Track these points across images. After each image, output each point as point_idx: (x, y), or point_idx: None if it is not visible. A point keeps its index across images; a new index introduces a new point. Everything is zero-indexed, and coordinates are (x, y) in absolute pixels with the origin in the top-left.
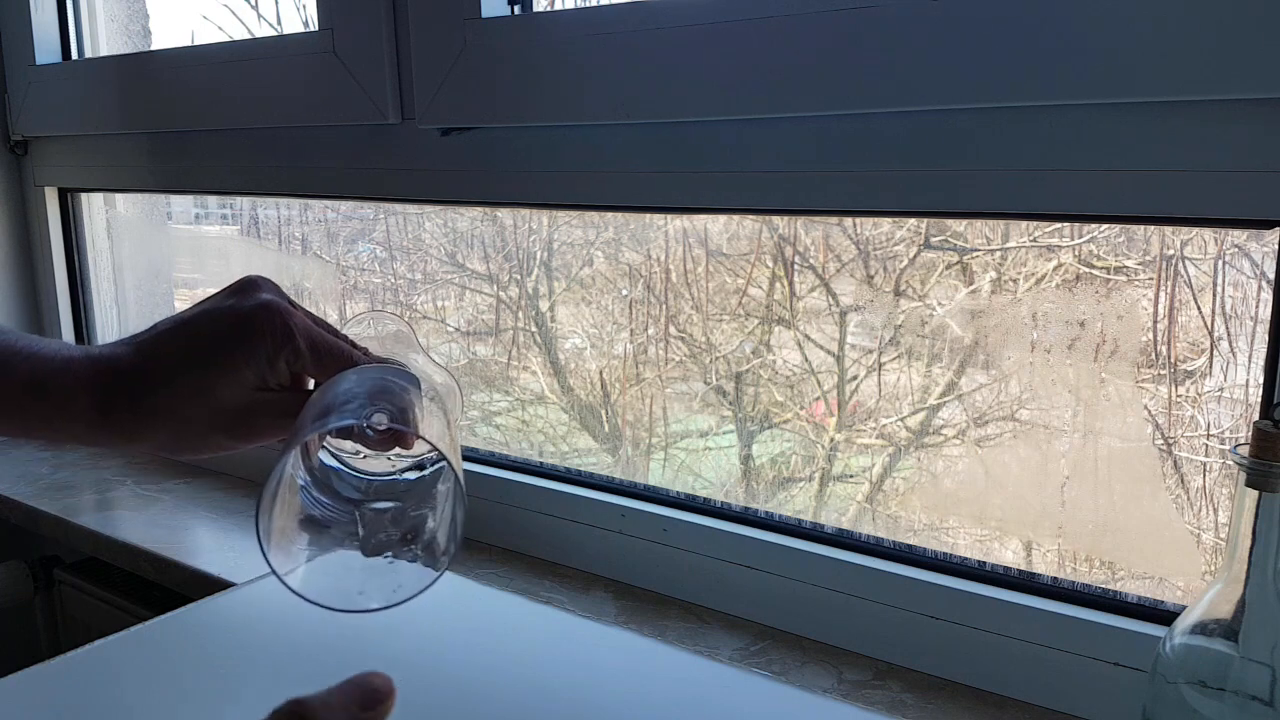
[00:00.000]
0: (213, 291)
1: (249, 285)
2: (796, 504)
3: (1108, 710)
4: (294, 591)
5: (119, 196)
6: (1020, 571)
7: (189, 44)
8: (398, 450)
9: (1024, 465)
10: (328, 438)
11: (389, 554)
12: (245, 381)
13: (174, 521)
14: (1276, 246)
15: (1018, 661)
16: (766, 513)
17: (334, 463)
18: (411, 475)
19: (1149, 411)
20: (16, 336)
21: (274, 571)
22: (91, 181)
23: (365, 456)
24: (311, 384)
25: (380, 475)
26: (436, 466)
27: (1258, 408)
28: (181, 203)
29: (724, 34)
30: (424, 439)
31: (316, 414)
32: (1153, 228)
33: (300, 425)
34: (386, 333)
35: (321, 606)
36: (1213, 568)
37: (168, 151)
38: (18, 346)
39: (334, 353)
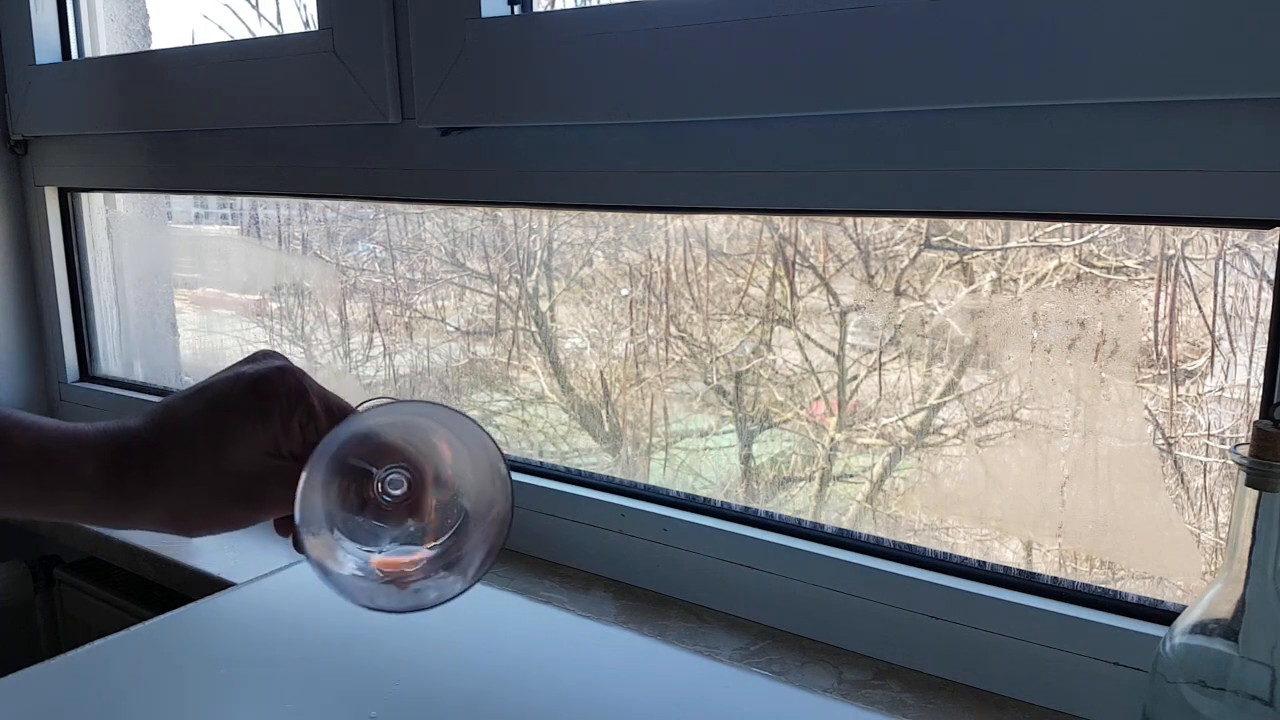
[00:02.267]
0: (223, 364)
1: (263, 354)
2: (796, 504)
3: (1108, 710)
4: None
5: (119, 196)
6: (1020, 571)
7: (189, 44)
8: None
9: (1024, 465)
10: (341, 541)
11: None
12: (258, 443)
13: None
14: (1276, 246)
15: (1018, 661)
16: (766, 513)
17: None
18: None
19: (1149, 411)
20: (14, 412)
21: (305, 554)
22: (91, 181)
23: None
24: None
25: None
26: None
27: (1258, 408)
28: (181, 203)
29: (724, 34)
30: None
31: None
32: (1153, 228)
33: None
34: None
35: (365, 607)
36: (1213, 568)
37: (168, 151)
38: (16, 418)
39: (347, 415)
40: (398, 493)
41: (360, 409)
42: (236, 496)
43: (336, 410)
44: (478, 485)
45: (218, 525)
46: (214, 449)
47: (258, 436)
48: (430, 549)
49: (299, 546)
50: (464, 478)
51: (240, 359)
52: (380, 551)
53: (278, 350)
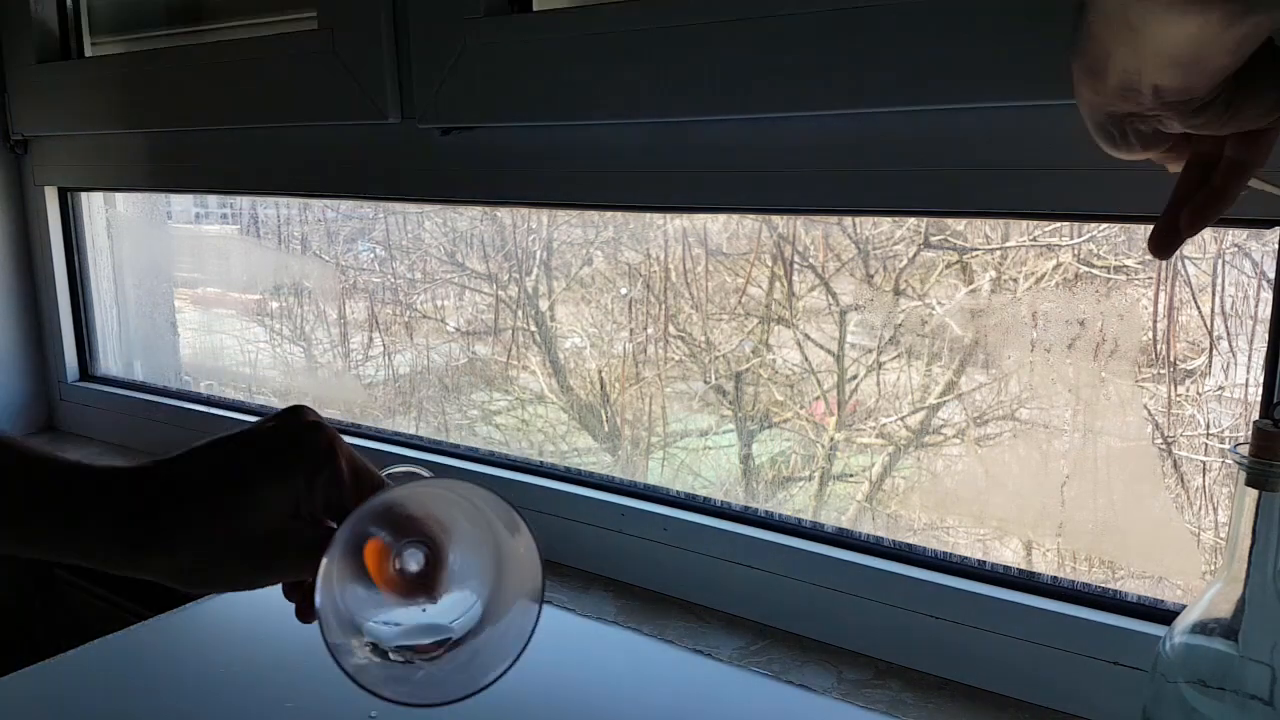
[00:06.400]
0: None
1: (296, 410)
2: (796, 503)
3: (1108, 710)
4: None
5: (119, 196)
6: (1020, 571)
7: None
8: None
9: (1024, 465)
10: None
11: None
12: (279, 503)
13: None
14: (1276, 246)
15: (1018, 661)
16: (766, 512)
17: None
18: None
19: (1149, 411)
20: (25, 442)
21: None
22: (91, 181)
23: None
24: None
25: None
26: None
27: (1258, 407)
28: (181, 202)
29: (724, 34)
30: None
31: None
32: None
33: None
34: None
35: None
36: (1212, 567)
37: (168, 151)
38: (35, 453)
39: (374, 483)
40: (415, 568)
41: (386, 473)
42: (249, 557)
43: (364, 476)
44: (505, 575)
45: (224, 585)
46: (230, 506)
47: (279, 497)
48: (440, 638)
49: (303, 617)
50: (485, 565)
51: (272, 414)
52: (389, 628)
53: (312, 408)
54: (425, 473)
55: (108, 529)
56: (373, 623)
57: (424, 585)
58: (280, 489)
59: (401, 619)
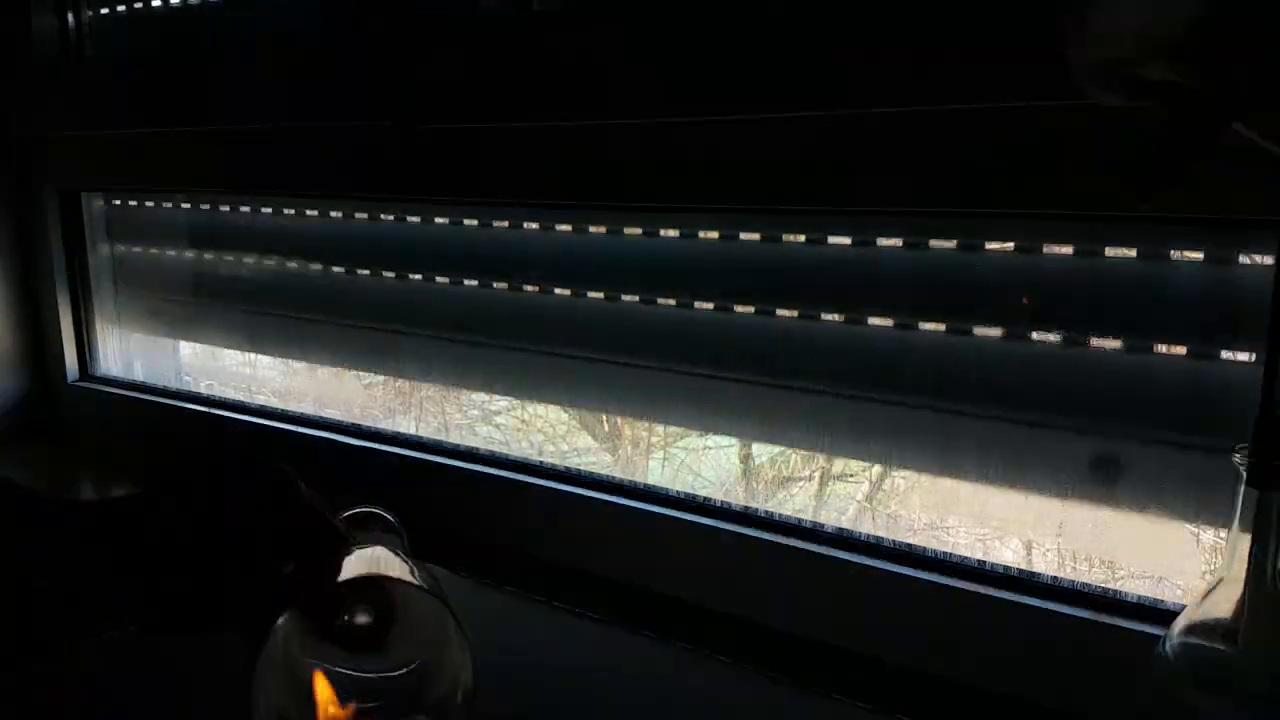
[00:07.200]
0: None
1: (266, 458)
2: (796, 503)
3: (1108, 710)
4: None
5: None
6: (1020, 571)
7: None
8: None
9: None
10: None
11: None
12: (237, 550)
13: None
14: (1277, 246)
15: (1018, 661)
16: (766, 512)
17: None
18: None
19: None
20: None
21: None
22: (91, 181)
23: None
24: None
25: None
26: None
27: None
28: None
29: (724, 33)
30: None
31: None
32: None
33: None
34: (376, 532)
35: None
36: (1212, 567)
37: (168, 151)
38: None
39: (334, 536)
40: (362, 620)
41: (345, 516)
42: (203, 603)
43: (324, 529)
44: (442, 665)
45: (183, 625)
46: (188, 551)
47: (237, 544)
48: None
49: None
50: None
51: (243, 459)
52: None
53: (280, 456)
54: (382, 513)
55: (66, 562)
56: (319, 669)
57: (372, 638)
58: (240, 537)
59: (350, 669)
